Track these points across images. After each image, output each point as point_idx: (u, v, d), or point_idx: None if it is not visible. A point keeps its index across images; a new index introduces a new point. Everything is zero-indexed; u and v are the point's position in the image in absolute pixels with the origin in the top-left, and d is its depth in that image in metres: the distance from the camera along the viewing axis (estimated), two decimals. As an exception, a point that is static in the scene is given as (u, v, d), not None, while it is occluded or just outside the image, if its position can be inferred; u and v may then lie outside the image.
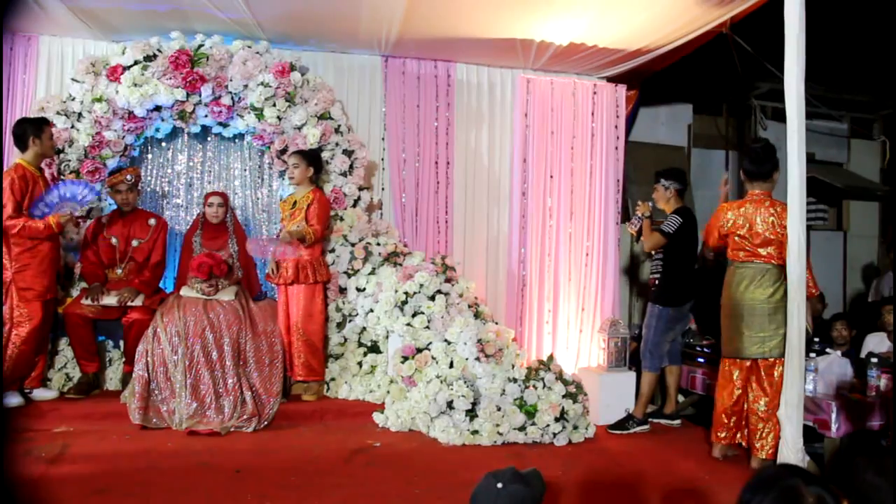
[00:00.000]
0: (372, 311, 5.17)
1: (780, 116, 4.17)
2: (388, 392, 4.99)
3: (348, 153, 5.57)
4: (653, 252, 5.15)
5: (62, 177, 5.17)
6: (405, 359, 4.90)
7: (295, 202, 5.09)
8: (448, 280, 5.25)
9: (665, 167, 5.26)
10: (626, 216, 5.61)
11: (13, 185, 4.55)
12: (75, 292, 5.14)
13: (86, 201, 4.83)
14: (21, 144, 4.71)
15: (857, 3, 5.51)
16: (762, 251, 4.21)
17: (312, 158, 5.14)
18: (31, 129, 4.70)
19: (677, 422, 5.23)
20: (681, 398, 5.53)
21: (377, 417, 4.81)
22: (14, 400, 4.62)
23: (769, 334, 4.18)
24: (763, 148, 4.32)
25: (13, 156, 4.80)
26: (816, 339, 4.82)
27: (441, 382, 4.70)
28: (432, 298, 5.07)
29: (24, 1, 4.75)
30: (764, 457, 4.12)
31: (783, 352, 4.05)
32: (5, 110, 5.21)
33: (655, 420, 5.18)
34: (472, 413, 4.61)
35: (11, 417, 4.46)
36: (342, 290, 5.40)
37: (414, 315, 5.01)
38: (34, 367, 4.78)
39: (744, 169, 4.39)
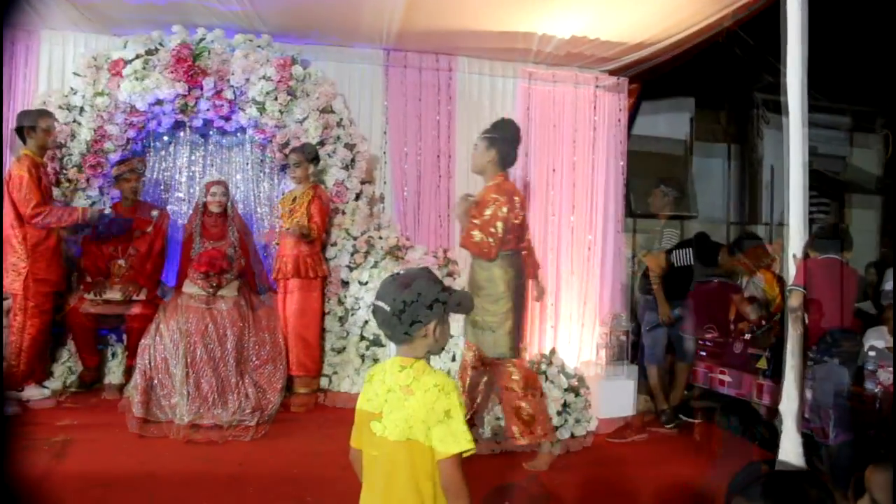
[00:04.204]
0: (374, 304, 5.15)
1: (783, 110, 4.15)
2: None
3: (350, 147, 5.56)
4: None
5: (65, 171, 5.17)
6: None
7: (295, 198, 5.08)
8: (450, 273, 5.26)
9: (667, 161, 5.29)
10: (629, 210, 5.60)
11: (31, 177, 4.58)
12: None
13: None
14: (21, 137, 4.72)
15: (858, 8, 5.48)
16: None
17: (312, 155, 5.13)
18: (27, 120, 4.70)
19: (674, 424, 5.23)
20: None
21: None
22: (34, 392, 4.67)
23: None
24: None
25: (15, 151, 4.80)
26: (813, 347, 4.83)
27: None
28: (434, 292, 5.05)
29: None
30: None
31: None
32: (6, 107, 5.16)
33: (653, 429, 5.18)
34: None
35: (14, 415, 4.45)
36: (344, 284, 5.39)
37: (416, 308, 5.00)
38: (45, 359, 4.81)
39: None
